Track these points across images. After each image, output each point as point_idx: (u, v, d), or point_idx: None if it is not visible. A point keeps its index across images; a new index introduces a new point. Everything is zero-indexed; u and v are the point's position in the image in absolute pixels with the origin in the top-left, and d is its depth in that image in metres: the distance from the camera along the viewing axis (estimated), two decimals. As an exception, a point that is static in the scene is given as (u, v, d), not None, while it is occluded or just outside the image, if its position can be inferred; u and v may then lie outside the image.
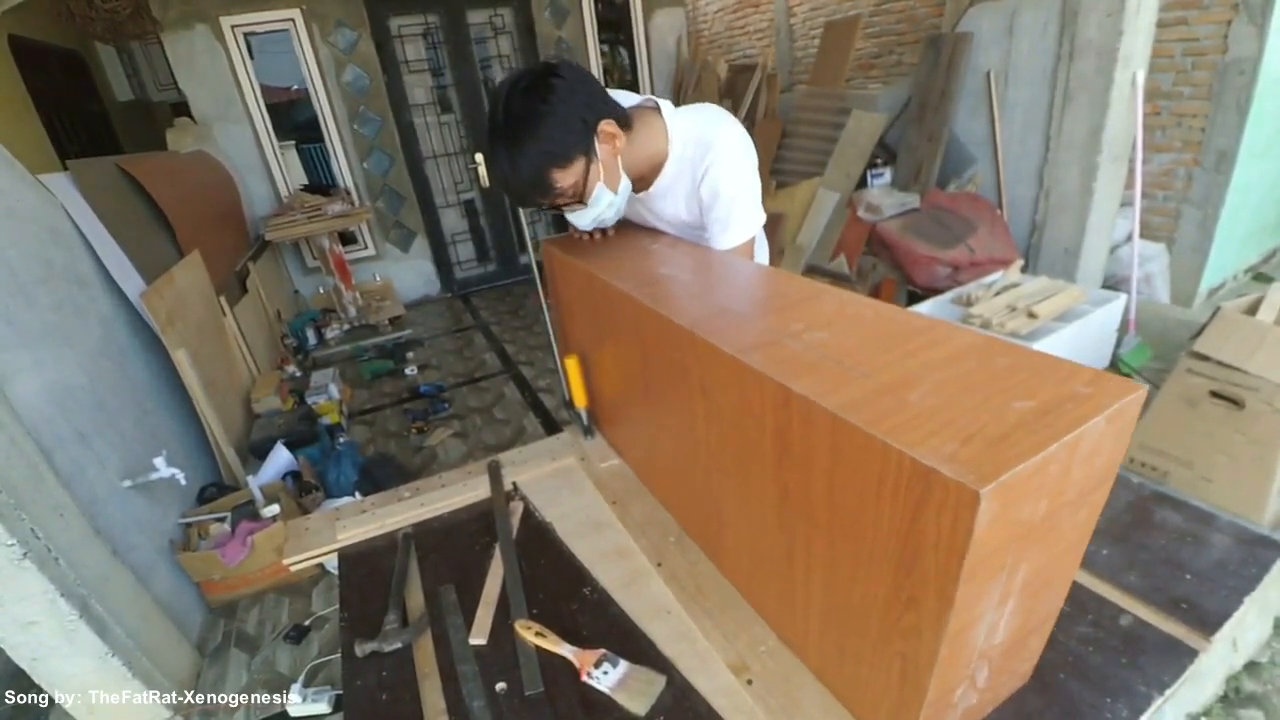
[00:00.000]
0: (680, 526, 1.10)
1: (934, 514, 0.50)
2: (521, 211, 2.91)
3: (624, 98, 1.13)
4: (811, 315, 0.78)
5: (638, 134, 1.08)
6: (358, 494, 2.38)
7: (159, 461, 1.89)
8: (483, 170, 4.86)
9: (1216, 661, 1.43)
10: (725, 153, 1.07)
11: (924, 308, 2.81)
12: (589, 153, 1.00)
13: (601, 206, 1.07)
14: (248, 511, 2.19)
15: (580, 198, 1.04)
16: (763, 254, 1.29)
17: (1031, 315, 2.46)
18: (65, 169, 2.25)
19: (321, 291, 4.65)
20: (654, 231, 1.31)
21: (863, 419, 0.55)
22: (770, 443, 0.70)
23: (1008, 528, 0.51)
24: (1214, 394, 1.85)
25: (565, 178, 0.99)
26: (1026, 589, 0.60)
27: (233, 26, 3.96)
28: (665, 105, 1.12)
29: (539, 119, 0.94)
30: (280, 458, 2.48)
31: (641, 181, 1.15)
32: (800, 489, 0.68)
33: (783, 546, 0.76)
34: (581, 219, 1.11)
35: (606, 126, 1.01)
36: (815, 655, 0.80)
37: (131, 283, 2.25)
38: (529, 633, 0.92)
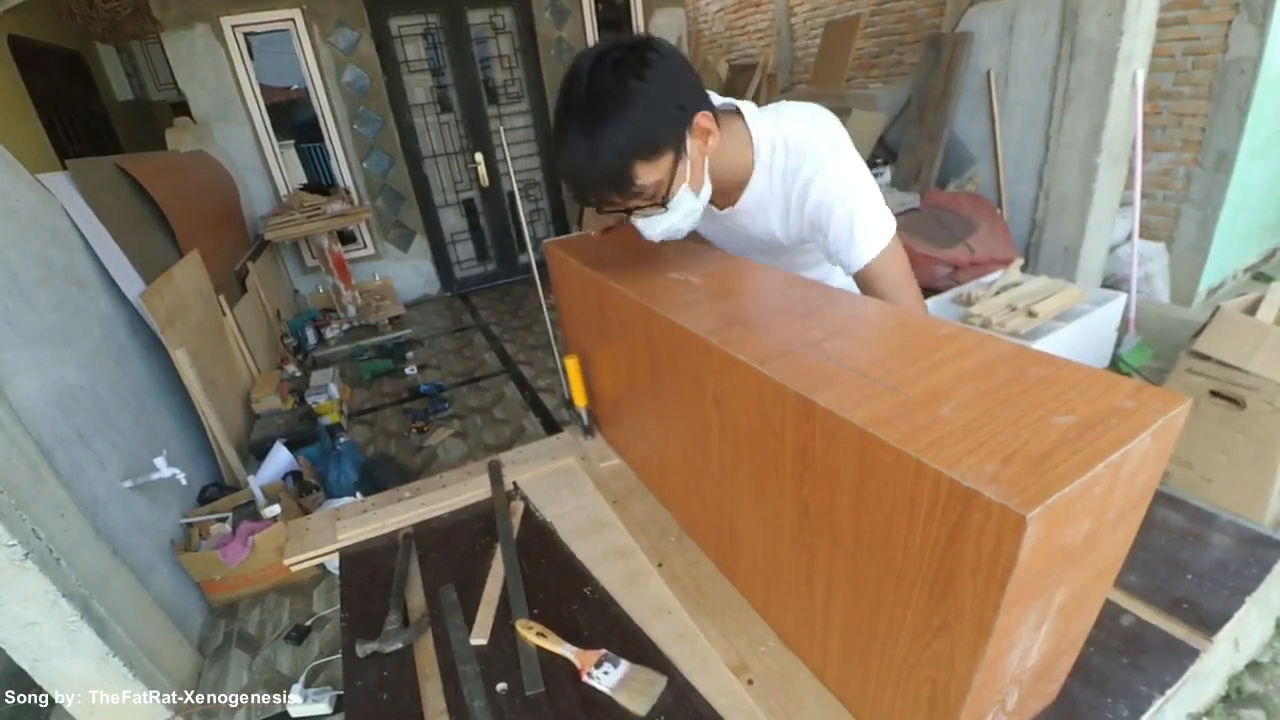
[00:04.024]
0: (682, 528, 1.10)
1: (973, 538, 0.48)
2: (521, 210, 2.90)
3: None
4: (830, 323, 0.74)
5: (722, 140, 0.93)
6: (358, 494, 2.38)
7: (159, 461, 1.89)
8: (482, 170, 4.86)
9: (1218, 662, 1.43)
10: (828, 158, 0.91)
11: (924, 307, 2.81)
12: (680, 149, 0.85)
13: (680, 214, 0.92)
14: (248, 512, 2.19)
15: (661, 200, 0.89)
16: (908, 268, 0.98)
17: (1031, 314, 2.46)
18: (65, 169, 2.25)
19: (321, 291, 4.65)
20: None
21: (894, 435, 0.52)
22: (791, 458, 0.67)
23: (1051, 552, 0.49)
24: (1214, 393, 1.85)
25: (650, 174, 0.84)
26: (1062, 611, 0.58)
27: (233, 26, 3.96)
28: (748, 108, 0.97)
29: (631, 98, 0.79)
30: (280, 458, 2.48)
31: (724, 197, 1.01)
32: (823, 506, 0.65)
33: (802, 565, 0.73)
34: (654, 226, 0.94)
35: (703, 120, 0.86)
36: (835, 677, 0.77)
37: (131, 283, 2.25)
38: (530, 633, 0.92)
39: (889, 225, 0.94)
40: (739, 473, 0.81)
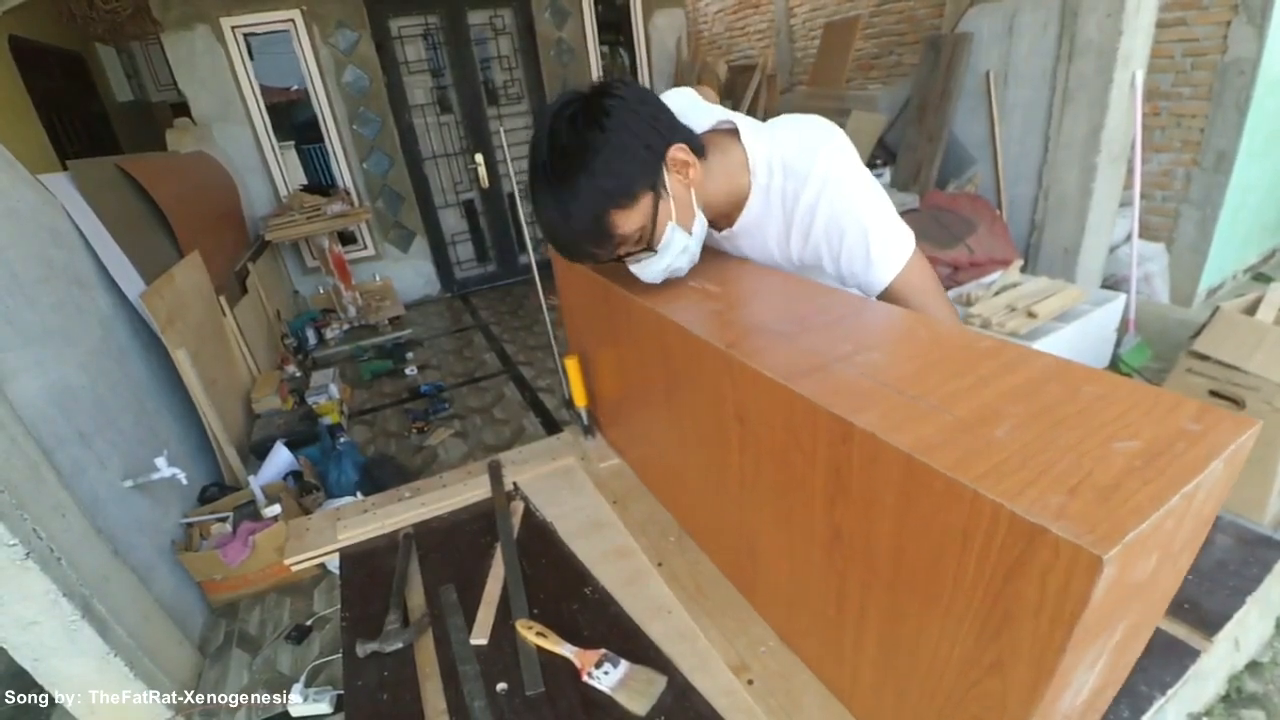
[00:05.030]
0: (684, 530, 1.10)
1: (1037, 577, 0.44)
2: (521, 211, 2.90)
3: (698, 114, 0.95)
4: (860, 334, 0.70)
5: (713, 165, 0.89)
6: (358, 494, 2.38)
7: (160, 461, 1.89)
8: (482, 170, 4.87)
9: (1218, 661, 1.43)
10: (828, 176, 0.85)
11: (924, 308, 2.81)
12: (656, 186, 0.82)
13: (674, 253, 0.88)
14: (249, 511, 2.19)
15: (649, 243, 0.85)
16: (934, 281, 0.92)
17: (1031, 315, 2.46)
18: (65, 169, 2.25)
19: (321, 291, 4.65)
20: None
21: (945, 462, 0.48)
22: (822, 480, 0.63)
23: (1120, 590, 0.45)
24: (1213, 393, 1.85)
25: (629, 220, 0.81)
26: (1119, 645, 0.54)
27: (233, 27, 3.97)
28: (745, 124, 0.92)
29: (592, 150, 0.77)
30: (281, 458, 2.48)
31: (724, 219, 0.96)
32: (857, 532, 0.61)
33: (831, 591, 0.69)
34: (650, 269, 0.89)
35: (677, 153, 0.83)
36: (865, 708, 0.73)
37: (131, 283, 2.25)
38: (530, 633, 0.93)
39: (907, 239, 0.88)
40: (762, 492, 0.77)
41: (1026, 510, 0.43)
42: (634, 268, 0.90)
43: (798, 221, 0.89)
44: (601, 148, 0.77)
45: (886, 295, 0.89)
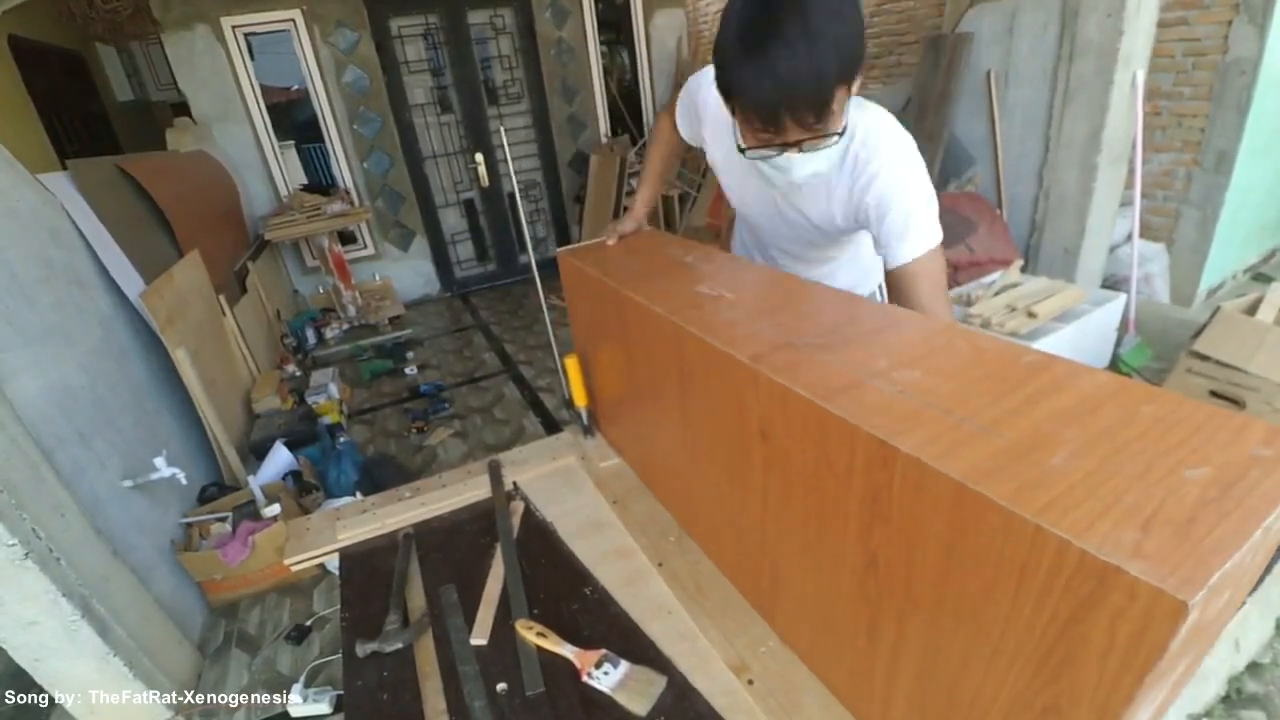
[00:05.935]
0: (683, 529, 1.10)
1: (1107, 620, 0.41)
2: (521, 211, 2.90)
3: None
4: (894, 347, 0.67)
5: None
6: (358, 494, 2.38)
7: (159, 461, 1.89)
8: (482, 170, 4.86)
9: (1218, 662, 1.43)
10: (901, 158, 0.95)
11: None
12: (851, 83, 0.83)
13: (820, 159, 0.90)
14: (249, 511, 2.19)
15: (820, 135, 0.85)
16: (944, 278, 1.01)
17: (1031, 315, 2.46)
18: (65, 169, 2.25)
19: (321, 291, 4.65)
20: (684, 241, 1.21)
21: (1002, 493, 0.45)
22: (858, 505, 0.60)
23: (1195, 632, 0.41)
24: (1214, 394, 1.85)
25: (840, 99, 0.82)
26: (1177, 681, 0.52)
27: (233, 27, 3.96)
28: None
29: (843, 13, 0.77)
30: (280, 457, 2.48)
31: None
32: (897, 562, 0.58)
33: (863, 620, 0.66)
34: (806, 166, 0.90)
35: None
36: None
37: (131, 282, 2.25)
38: (530, 633, 0.93)
39: (938, 232, 0.96)
40: (787, 512, 0.74)
41: (1098, 548, 0.40)
42: (796, 159, 0.89)
43: (859, 185, 0.97)
44: (855, 12, 0.79)
45: (905, 270, 0.95)
